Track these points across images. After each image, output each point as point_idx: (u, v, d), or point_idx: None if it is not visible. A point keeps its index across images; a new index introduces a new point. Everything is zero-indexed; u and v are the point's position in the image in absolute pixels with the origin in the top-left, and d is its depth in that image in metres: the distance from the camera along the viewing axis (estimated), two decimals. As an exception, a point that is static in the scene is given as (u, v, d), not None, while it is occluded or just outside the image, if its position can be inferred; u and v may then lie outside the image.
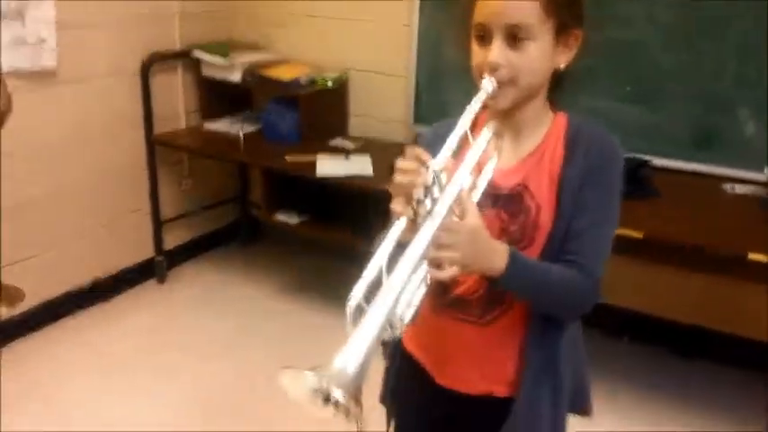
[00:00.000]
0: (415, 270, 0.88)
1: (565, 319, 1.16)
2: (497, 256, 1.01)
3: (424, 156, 0.97)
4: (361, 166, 2.77)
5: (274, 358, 2.70)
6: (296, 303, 3.14)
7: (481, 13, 1.07)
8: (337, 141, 3.10)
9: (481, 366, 1.18)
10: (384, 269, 0.87)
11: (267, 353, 2.74)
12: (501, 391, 1.17)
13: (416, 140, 1.27)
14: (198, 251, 3.54)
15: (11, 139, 2.56)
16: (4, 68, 2.45)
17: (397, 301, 0.83)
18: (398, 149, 1.28)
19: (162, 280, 3.27)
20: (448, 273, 0.93)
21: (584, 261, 1.08)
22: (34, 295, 2.79)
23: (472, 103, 1.06)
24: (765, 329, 2.51)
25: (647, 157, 2.59)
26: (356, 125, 3.30)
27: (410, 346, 1.26)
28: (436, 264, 0.93)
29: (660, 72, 2.58)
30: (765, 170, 2.34)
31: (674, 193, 2.39)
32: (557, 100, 1.18)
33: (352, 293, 0.86)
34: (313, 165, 2.77)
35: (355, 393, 0.73)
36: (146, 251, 3.24)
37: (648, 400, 2.51)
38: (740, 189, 2.44)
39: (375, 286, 0.87)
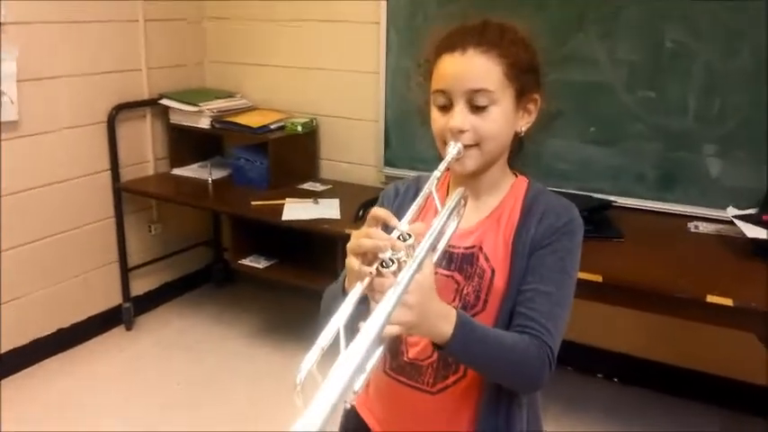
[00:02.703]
0: (375, 342, 0.81)
1: (517, 391, 1.10)
2: (445, 320, 0.95)
3: (392, 220, 0.94)
4: (328, 209, 2.77)
5: (246, 402, 2.67)
6: (267, 345, 3.10)
7: (442, 80, 1.07)
8: (307, 185, 3.10)
9: None
10: (342, 335, 0.81)
11: (238, 396, 2.70)
12: None
13: (379, 197, 1.25)
14: (169, 296, 3.50)
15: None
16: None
17: (355, 373, 0.76)
18: (368, 192, 1.25)
19: (129, 327, 3.22)
20: (390, 330, 0.85)
21: (538, 329, 1.03)
22: (-4, 346, 2.75)
23: (439, 167, 1.05)
24: (726, 365, 2.55)
25: (611, 198, 2.60)
26: (327, 169, 3.30)
27: (357, 406, 1.21)
28: None
29: (624, 112, 2.59)
30: (728, 209, 2.33)
31: (639, 233, 2.37)
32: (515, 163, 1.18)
33: (302, 365, 0.79)
34: (280, 209, 2.76)
35: None
36: (113, 298, 3.20)
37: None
38: (704, 228, 2.43)
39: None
